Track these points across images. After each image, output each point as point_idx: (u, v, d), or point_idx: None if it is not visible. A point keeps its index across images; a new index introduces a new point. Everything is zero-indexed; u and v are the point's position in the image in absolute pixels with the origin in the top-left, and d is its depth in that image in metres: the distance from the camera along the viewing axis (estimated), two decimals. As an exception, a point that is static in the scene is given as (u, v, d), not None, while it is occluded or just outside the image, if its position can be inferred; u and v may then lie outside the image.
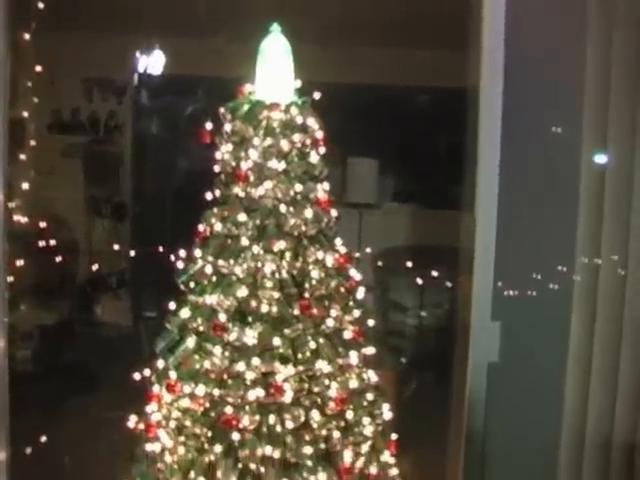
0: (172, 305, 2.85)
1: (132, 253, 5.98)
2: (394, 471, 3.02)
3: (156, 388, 2.83)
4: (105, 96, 7.38)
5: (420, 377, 5.34)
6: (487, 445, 2.19)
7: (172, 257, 2.92)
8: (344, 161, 6.89)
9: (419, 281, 5.69)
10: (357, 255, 3.02)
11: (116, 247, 6.21)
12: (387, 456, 2.98)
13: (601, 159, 3.14)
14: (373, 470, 2.84)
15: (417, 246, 6.39)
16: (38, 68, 4.14)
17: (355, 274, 2.92)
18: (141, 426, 2.88)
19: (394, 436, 3.04)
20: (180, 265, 2.87)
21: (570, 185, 2.86)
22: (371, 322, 2.98)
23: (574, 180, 2.80)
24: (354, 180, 6.88)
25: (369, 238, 6.22)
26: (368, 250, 5.56)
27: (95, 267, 6.15)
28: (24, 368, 5.14)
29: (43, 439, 4.10)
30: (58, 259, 5.48)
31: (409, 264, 5.63)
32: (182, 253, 2.87)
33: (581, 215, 2.80)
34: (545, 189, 2.81)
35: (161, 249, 4.22)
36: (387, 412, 2.98)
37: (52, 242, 5.31)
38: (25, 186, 5.22)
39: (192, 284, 2.82)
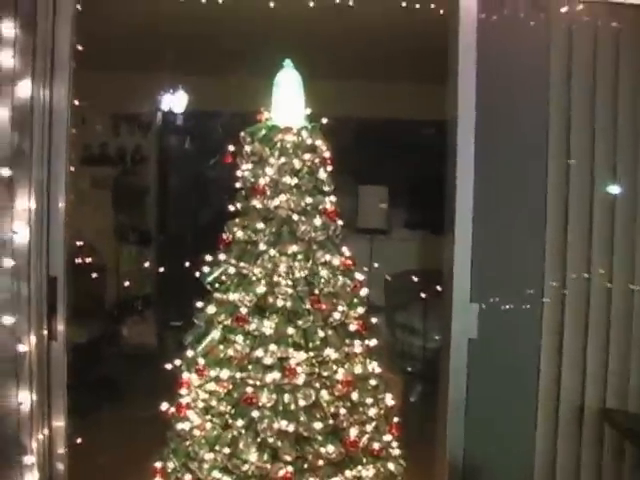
0: (199, 303, 3.23)
1: (157, 275, 6.39)
2: (396, 451, 3.36)
3: (185, 375, 3.21)
4: (131, 130, 7.76)
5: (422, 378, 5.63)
6: (468, 412, 2.50)
7: (196, 270, 3.27)
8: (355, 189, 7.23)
9: (423, 302, 6.03)
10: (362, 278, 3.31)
11: (142, 271, 6.60)
12: (389, 437, 3.31)
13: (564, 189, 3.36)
14: (376, 446, 3.19)
15: (424, 270, 6.66)
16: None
17: (359, 276, 3.29)
18: (172, 409, 3.24)
19: (395, 419, 3.39)
20: (206, 269, 3.25)
21: (537, 211, 3.17)
22: (374, 319, 3.35)
23: (540, 208, 3.11)
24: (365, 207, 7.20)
25: (379, 263, 6.47)
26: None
27: (122, 290, 6.51)
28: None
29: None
30: (90, 281, 5.89)
31: (415, 287, 6.01)
32: (208, 258, 3.25)
33: (548, 235, 3.11)
34: (515, 213, 3.12)
35: (185, 265, 4.57)
36: (389, 399, 3.33)
37: (87, 264, 5.74)
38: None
39: (217, 284, 3.21)
